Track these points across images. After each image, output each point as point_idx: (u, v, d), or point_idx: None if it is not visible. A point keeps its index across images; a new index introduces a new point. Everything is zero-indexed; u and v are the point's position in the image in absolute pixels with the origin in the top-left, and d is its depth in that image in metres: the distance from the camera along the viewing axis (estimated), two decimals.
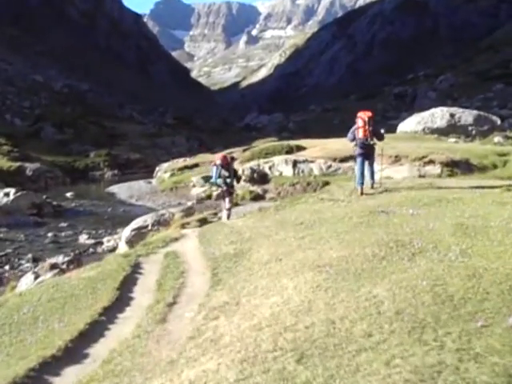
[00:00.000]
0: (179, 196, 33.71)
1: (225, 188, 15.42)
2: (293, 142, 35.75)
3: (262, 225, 10.90)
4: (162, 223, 17.33)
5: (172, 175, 41.26)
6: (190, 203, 29.79)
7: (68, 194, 39.51)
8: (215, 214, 20.35)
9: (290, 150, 33.35)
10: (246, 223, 11.79)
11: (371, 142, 14.22)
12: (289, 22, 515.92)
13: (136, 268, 10.00)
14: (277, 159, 31.04)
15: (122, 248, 17.12)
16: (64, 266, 13.55)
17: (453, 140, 37.60)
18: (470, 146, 33.30)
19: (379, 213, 9.69)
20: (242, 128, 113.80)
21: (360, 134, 14.14)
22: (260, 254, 8.25)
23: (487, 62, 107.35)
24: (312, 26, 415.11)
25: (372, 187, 14.21)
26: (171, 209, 23.45)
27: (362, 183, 13.99)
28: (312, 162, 29.43)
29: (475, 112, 42.68)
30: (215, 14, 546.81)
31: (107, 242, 20.16)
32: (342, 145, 34.01)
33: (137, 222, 17.58)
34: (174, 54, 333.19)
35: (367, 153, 14.23)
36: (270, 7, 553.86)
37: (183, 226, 16.37)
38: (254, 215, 13.17)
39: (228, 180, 15.33)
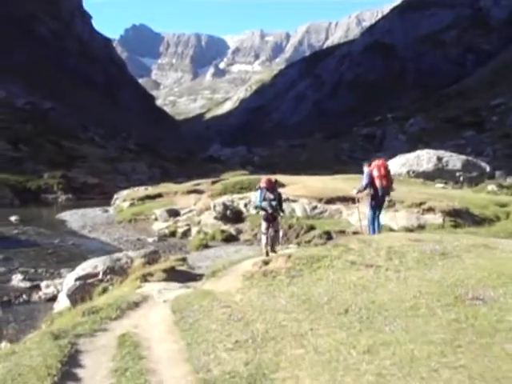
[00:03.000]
0: (138, 230, 29.51)
1: (270, 211, 14.02)
2: (271, 177, 32.15)
3: (276, 304, 7.05)
4: (116, 271, 13.29)
5: (131, 205, 37.07)
6: (150, 240, 25.81)
7: (13, 218, 35.00)
8: (183, 259, 16.55)
9: None
10: (247, 296, 7.91)
11: (389, 191, 14.38)
12: (256, 57, 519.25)
13: (71, 365, 6.12)
14: (253, 195, 27.29)
15: (63, 302, 13.05)
16: None
17: (440, 185, 34.66)
18: (464, 194, 30.37)
19: (471, 300, 6.03)
20: (205, 159, 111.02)
21: (384, 182, 13.86)
22: None
23: (457, 109, 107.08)
24: (279, 63, 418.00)
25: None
26: (129, 249, 19.46)
27: (375, 231, 14.16)
28: (294, 201, 25.80)
29: (463, 157, 40.01)
30: (184, 45, 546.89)
31: (46, 287, 15.80)
32: (324, 183, 30.69)
33: (84, 268, 13.45)
34: (141, 80, 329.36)
35: (383, 202, 14.49)
36: (238, 42, 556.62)
37: (145, 278, 12.52)
38: (255, 281, 9.12)
39: (273, 203, 14.03)
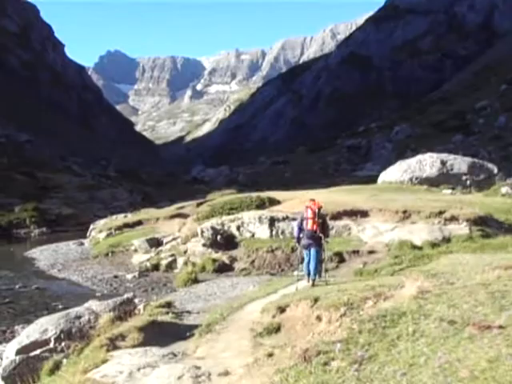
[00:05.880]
0: (116, 265, 25.68)
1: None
2: (263, 194, 28.42)
3: None
4: (73, 336, 9.53)
5: (108, 235, 33.21)
6: (129, 276, 22.04)
7: None
8: (168, 304, 12.96)
9: (261, 204, 26.03)
10: None
11: (320, 235, 13.32)
12: (233, 77, 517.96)
13: None
14: (247, 216, 23.51)
15: None
16: None
17: (448, 191, 31.24)
18: (481, 199, 27.01)
19: None
20: (188, 181, 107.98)
21: (309, 225, 13.27)
22: None
23: (442, 114, 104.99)
24: (256, 81, 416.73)
25: (313, 284, 12.89)
26: (104, 290, 15.65)
27: (310, 274, 13.25)
28: (294, 219, 22.23)
29: (469, 159, 36.81)
30: (160, 69, 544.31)
31: None
32: (325, 197, 27.10)
33: (29, 334, 9.63)
34: (119, 107, 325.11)
35: (315, 243, 13.29)
36: (214, 62, 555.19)
37: (113, 344, 8.85)
38: (291, 372, 4.90)
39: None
